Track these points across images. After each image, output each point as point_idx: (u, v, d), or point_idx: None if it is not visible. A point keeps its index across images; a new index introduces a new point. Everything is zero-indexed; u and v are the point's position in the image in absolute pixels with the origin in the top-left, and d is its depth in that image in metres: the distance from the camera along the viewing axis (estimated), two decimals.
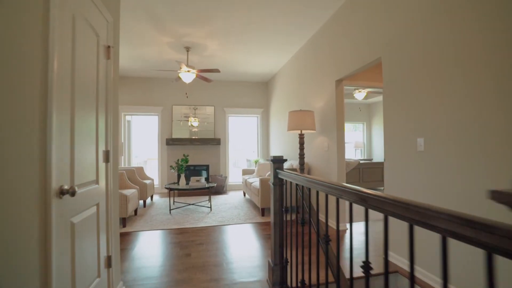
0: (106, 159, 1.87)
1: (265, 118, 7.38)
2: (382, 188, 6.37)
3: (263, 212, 4.29)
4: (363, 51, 3.00)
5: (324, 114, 3.99)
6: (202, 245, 3.06)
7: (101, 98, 1.81)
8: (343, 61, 3.45)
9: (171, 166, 4.84)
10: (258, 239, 3.28)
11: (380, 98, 7.09)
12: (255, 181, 4.82)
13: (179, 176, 6.59)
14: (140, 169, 5.57)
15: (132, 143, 8.00)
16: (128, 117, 7.66)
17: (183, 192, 6.17)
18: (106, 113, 1.88)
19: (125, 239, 3.27)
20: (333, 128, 3.72)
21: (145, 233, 3.55)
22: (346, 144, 3.97)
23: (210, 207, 4.76)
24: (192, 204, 5.04)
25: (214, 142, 6.84)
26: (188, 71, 4.74)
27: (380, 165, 6.57)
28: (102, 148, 1.81)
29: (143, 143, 9.82)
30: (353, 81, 3.86)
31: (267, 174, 4.73)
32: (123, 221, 3.77)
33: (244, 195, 6.12)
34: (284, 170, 2.06)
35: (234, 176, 7.93)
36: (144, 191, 4.97)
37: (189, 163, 6.88)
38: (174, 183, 5.17)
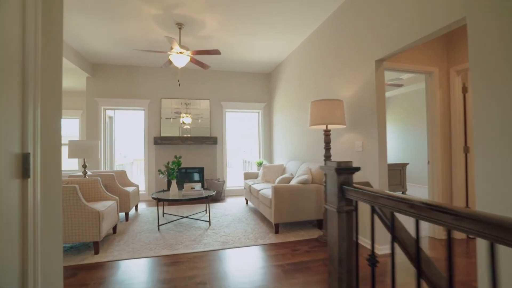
0: (24, 172, 0.96)
1: (268, 114, 6.52)
2: (401, 192, 5.62)
3: (277, 228, 3.42)
4: (430, 12, 2.17)
5: (355, 105, 3.16)
6: (205, 286, 2.16)
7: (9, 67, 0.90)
8: (389, 34, 2.62)
9: (159, 171, 3.90)
10: (284, 274, 2.41)
11: (396, 91, 6.36)
12: (265, 189, 3.95)
13: (169, 182, 5.66)
14: (122, 174, 4.59)
15: (115, 143, 6.97)
16: (109, 113, 6.64)
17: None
18: (24, 88, 0.97)
19: (93, 276, 2.33)
20: (370, 122, 2.89)
21: (123, 263, 2.62)
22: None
23: (209, 221, 3.86)
24: (186, 217, 4.11)
25: (209, 141, 5.92)
26: (181, 52, 3.81)
27: (397, 167, 5.83)
28: (10, 149, 0.90)
29: (129, 142, 8.75)
30: (395, 63, 3.05)
31: (277, 181, 3.87)
32: (95, 247, 2.82)
33: (247, 202, 5.24)
34: (356, 186, 1.20)
35: (232, 180, 7.02)
36: (126, 201, 4.01)
37: (181, 165, 5.93)
38: (163, 190, 4.24)
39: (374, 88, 2.84)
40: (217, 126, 6.19)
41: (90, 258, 2.73)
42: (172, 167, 3.94)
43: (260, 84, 6.47)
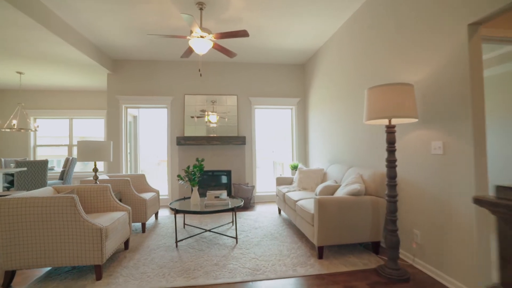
0: None
1: (302, 110, 5.75)
2: None
3: (321, 252, 2.67)
4: None
5: (429, 92, 2.31)
6: None
7: None
8: None
9: (178, 176, 3.35)
10: None
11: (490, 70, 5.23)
12: (304, 200, 3.22)
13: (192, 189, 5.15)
14: (140, 178, 4.14)
15: (139, 143, 6.68)
16: (133, 111, 6.34)
17: None
18: None
19: None
20: (457, 115, 2.04)
21: None
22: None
23: (236, 237, 3.22)
24: (210, 231, 3.52)
25: (237, 141, 5.31)
26: (202, 36, 3.22)
27: None
28: None
29: (155, 142, 8.50)
30: (494, 29, 2.15)
31: (318, 190, 3.12)
32: (97, 271, 2.31)
33: (279, 212, 4.54)
34: None
35: (262, 184, 6.36)
36: (142, 210, 3.52)
37: (206, 168, 5.40)
38: (184, 198, 3.69)
39: (467, 65, 1.98)
40: (246, 125, 5.56)
41: (90, 286, 2.22)
42: (193, 172, 3.36)
43: (293, 77, 5.73)
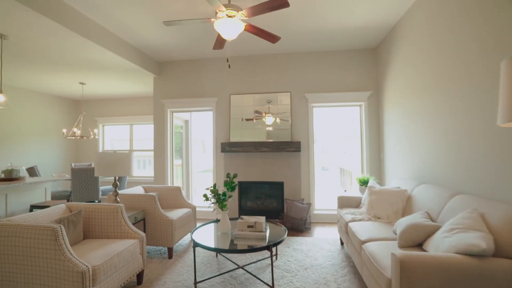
0: None
1: (374, 107, 4.43)
2: None
3: None
4: None
5: None
6: None
7: None
8: None
9: (204, 196, 2.67)
10: None
11: None
12: (377, 244, 2.10)
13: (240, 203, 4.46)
14: (174, 192, 3.66)
15: (191, 150, 6.43)
16: (185, 115, 6.10)
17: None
18: None
19: None
20: None
21: None
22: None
23: (272, 286, 2.32)
24: (243, 268, 2.70)
25: (290, 147, 4.39)
26: (230, 15, 2.46)
27: None
28: None
29: (207, 148, 8.25)
30: None
31: (400, 229, 1.96)
32: None
33: (342, 244, 3.42)
34: None
35: (323, 199, 5.26)
36: (168, 233, 2.97)
37: (255, 179, 4.65)
38: (216, 220, 3.00)
39: None
40: (301, 127, 4.59)
41: None
42: (222, 192, 2.63)
43: (361, 65, 4.47)
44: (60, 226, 1.83)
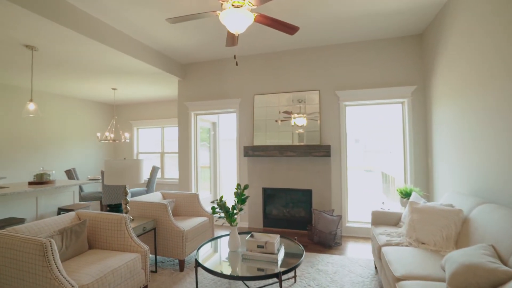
0: None
1: (421, 105, 3.74)
2: None
3: None
4: None
5: None
6: None
7: None
8: None
9: (212, 209, 2.42)
10: None
11: None
12: (421, 284, 1.62)
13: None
14: (191, 199, 3.49)
15: (219, 153, 6.31)
16: (212, 118, 6.01)
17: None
18: None
19: None
20: None
21: None
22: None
23: None
24: None
25: (319, 151, 3.94)
26: (236, 5, 2.17)
27: None
28: None
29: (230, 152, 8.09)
30: None
31: (452, 268, 1.47)
32: None
33: (376, 269, 2.89)
34: None
35: (356, 211, 4.69)
36: (179, 244, 2.79)
37: (280, 186, 4.30)
38: (228, 234, 2.73)
39: None
40: (331, 129, 4.10)
41: None
42: (230, 205, 2.36)
43: (403, 56, 3.81)
44: (50, 241, 1.73)
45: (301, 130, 4.17)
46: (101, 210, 5.03)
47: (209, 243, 2.51)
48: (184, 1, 2.82)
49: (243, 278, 1.88)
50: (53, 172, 3.59)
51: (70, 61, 3.94)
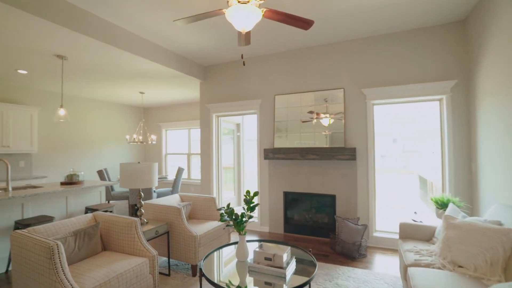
0: None
1: (462, 102, 3.27)
2: None
3: None
4: None
5: None
6: None
7: None
8: None
9: (221, 216, 2.33)
10: None
11: None
12: None
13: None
14: (208, 202, 3.45)
15: (243, 154, 6.26)
16: (236, 119, 5.97)
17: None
18: None
19: None
20: None
21: None
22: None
23: None
24: None
25: (343, 155, 3.66)
26: (244, 1, 2.05)
27: None
28: None
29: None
30: None
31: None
32: None
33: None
34: None
35: (386, 219, 4.29)
36: (191, 249, 2.76)
37: (301, 190, 4.09)
38: (235, 242, 2.62)
39: None
40: (357, 130, 3.79)
41: None
42: (239, 213, 2.25)
43: (439, 46, 3.36)
44: (57, 244, 1.78)
45: (327, 132, 3.91)
46: (129, 209, 5.25)
47: (219, 251, 2.43)
48: (201, 4, 2.78)
49: None
50: (82, 173, 3.81)
51: (98, 68, 4.15)
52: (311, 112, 4.05)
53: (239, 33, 2.50)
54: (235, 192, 6.25)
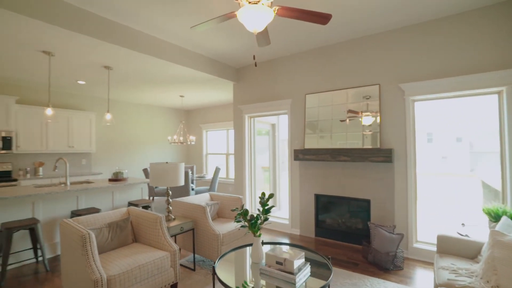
0: None
1: None
2: None
3: None
4: None
5: None
6: None
7: None
8: None
9: (236, 217, 2.35)
10: None
11: None
12: None
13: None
14: (235, 202, 3.52)
15: (278, 154, 6.22)
16: (272, 119, 5.97)
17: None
18: None
19: None
20: None
21: None
22: None
23: None
24: None
25: (378, 156, 3.38)
26: (253, 1, 2.04)
27: None
28: None
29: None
30: None
31: None
32: None
33: None
34: None
35: (427, 229, 3.82)
36: (214, 247, 2.85)
37: (332, 193, 3.90)
38: (251, 245, 2.61)
39: None
40: (394, 130, 3.45)
41: None
42: (252, 215, 2.25)
43: (496, 29, 2.85)
44: (88, 233, 2.02)
45: (368, 131, 3.64)
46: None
47: (236, 251, 2.46)
48: (224, 9, 2.86)
49: None
50: (126, 171, 4.24)
51: (140, 76, 4.56)
52: (350, 111, 3.81)
53: (257, 33, 2.50)
54: (272, 192, 6.25)
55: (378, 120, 3.51)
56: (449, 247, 2.23)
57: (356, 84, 3.74)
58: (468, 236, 2.32)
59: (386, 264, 2.97)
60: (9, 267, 3.00)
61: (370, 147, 3.52)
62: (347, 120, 3.76)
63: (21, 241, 3.11)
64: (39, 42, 3.11)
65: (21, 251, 3.09)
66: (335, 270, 2.95)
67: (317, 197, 4.10)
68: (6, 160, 4.93)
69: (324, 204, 4.10)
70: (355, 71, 3.75)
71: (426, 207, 5.32)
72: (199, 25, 2.32)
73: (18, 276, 2.84)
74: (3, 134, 4.58)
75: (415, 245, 3.30)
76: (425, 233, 3.50)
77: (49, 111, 3.55)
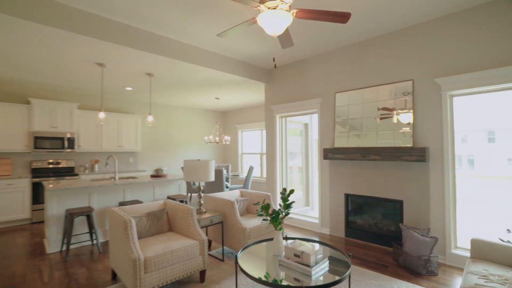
0: None
1: None
2: None
3: None
4: None
5: None
6: None
7: None
8: None
9: (258, 211, 2.48)
10: None
11: None
12: None
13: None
14: (263, 199, 3.65)
15: (311, 154, 6.21)
16: (304, 119, 6.00)
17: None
18: None
19: None
20: None
21: None
22: None
23: None
24: None
25: (410, 155, 3.23)
26: (272, 6, 2.16)
27: None
28: None
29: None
30: None
31: None
32: None
33: None
34: None
35: (465, 235, 3.51)
36: (240, 240, 3.02)
37: (363, 193, 3.82)
38: (271, 239, 2.71)
39: None
40: (429, 127, 3.26)
41: None
42: (274, 209, 2.36)
43: None
44: (130, 220, 2.33)
45: (401, 129, 3.51)
46: None
47: (259, 244, 2.59)
48: (250, 15, 3.03)
49: (265, 283, 1.86)
50: (166, 168, 4.65)
51: (177, 81, 4.96)
52: (383, 109, 3.70)
53: (279, 36, 2.60)
54: (303, 192, 6.25)
55: (411, 117, 3.35)
56: (485, 252, 2.08)
57: (387, 81, 3.61)
58: (511, 242, 2.13)
59: (417, 268, 2.84)
60: (71, 246, 3.55)
61: (402, 145, 3.37)
62: (379, 119, 3.65)
63: (80, 226, 3.65)
64: (93, 56, 3.63)
65: (80, 234, 3.63)
66: (363, 271, 2.90)
67: (347, 197, 4.04)
68: (71, 158, 5.75)
69: (355, 204, 4.02)
70: (385, 67, 3.62)
71: (473, 212, 4.85)
72: (224, 32, 2.51)
73: (78, 255, 3.35)
74: (68, 136, 5.36)
75: (454, 251, 3.07)
76: (467, 239, 3.23)
77: (101, 115, 4.09)
